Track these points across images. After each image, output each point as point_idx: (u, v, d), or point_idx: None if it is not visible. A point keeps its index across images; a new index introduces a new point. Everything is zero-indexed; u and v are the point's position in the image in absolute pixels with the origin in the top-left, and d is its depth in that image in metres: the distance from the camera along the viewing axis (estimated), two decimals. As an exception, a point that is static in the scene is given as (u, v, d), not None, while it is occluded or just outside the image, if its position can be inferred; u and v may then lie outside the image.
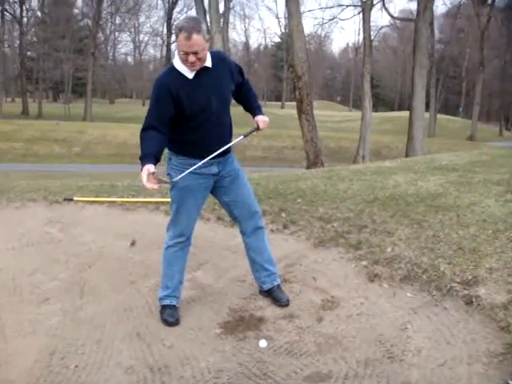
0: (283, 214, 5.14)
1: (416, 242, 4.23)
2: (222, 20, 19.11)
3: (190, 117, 3.18)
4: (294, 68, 16.62)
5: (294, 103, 18.39)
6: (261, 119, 3.52)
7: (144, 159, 3.06)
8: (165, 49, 51.54)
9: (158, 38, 55.22)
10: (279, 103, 67.54)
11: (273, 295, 3.59)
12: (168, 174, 3.40)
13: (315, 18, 75.30)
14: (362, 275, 3.88)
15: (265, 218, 5.02)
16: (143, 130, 3.16)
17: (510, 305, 3.16)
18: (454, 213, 4.77)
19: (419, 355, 2.90)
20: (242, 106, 3.67)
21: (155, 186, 3.00)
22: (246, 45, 68.17)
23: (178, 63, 3.13)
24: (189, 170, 3.19)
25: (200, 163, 3.21)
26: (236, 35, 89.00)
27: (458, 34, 51.71)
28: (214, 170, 3.37)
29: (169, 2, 48.63)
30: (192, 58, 3.02)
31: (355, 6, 31.29)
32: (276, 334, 3.20)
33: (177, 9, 49.73)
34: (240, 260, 4.20)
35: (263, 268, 3.62)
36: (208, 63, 3.17)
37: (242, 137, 3.43)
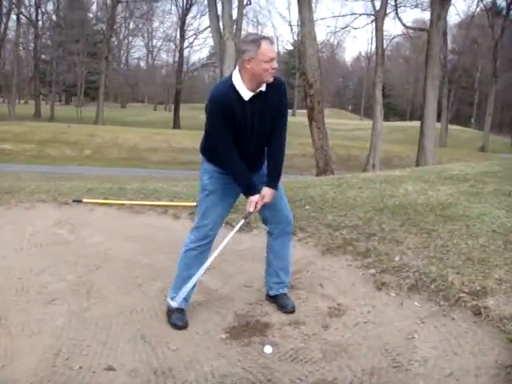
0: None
1: (425, 251, 4.20)
2: (235, 26, 19.15)
3: (231, 138, 3.20)
4: (305, 75, 16.63)
5: (306, 111, 18.39)
6: (269, 193, 3.36)
7: (250, 188, 3.29)
8: (177, 54, 51.68)
9: (171, 44, 55.40)
10: (290, 110, 67.63)
11: (278, 301, 3.58)
12: (200, 178, 3.46)
13: (328, 27, 75.64)
14: (370, 283, 3.86)
15: (273, 223, 5.01)
16: (226, 153, 3.21)
17: (519, 317, 3.13)
18: (464, 223, 4.73)
19: (426, 365, 2.87)
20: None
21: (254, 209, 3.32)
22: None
23: (237, 81, 3.12)
24: None
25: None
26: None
27: (471, 44, 51.56)
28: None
29: (182, 8, 48.80)
30: (275, 63, 3.08)
31: (368, 15, 31.38)
32: (282, 340, 3.18)
33: (190, 14, 49.88)
34: (247, 265, 4.19)
35: (276, 274, 3.61)
36: (263, 87, 3.16)
37: (243, 221, 3.45)
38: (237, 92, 3.11)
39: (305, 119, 20.18)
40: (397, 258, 4.10)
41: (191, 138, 30.95)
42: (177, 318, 3.34)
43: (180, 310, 3.38)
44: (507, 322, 3.11)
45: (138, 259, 4.40)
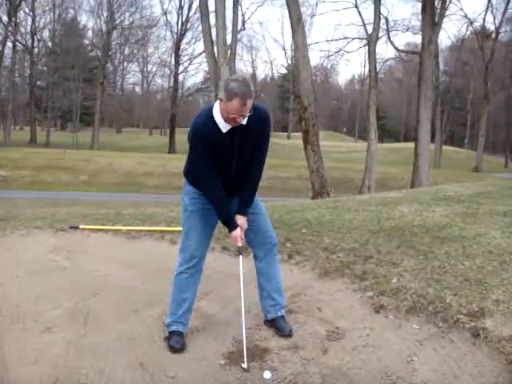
0: (288, 244, 5.12)
1: (422, 273, 4.20)
2: (229, 51, 19.35)
3: (213, 169, 3.28)
4: (300, 99, 16.77)
5: (300, 134, 18.49)
6: (244, 221, 3.45)
7: (230, 223, 3.38)
8: (172, 79, 52.05)
9: (166, 69, 55.80)
10: (285, 133, 67.99)
11: (276, 325, 3.57)
12: (182, 199, 3.55)
13: (321, 50, 76.38)
14: (368, 306, 3.85)
15: (270, 247, 5.01)
16: (208, 182, 3.31)
17: (517, 338, 3.12)
18: (460, 244, 4.74)
19: (425, 388, 2.85)
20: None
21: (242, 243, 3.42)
22: (253, 76, 68.81)
23: (216, 113, 3.18)
24: None
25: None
26: (243, 66, 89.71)
27: (462, 66, 52.24)
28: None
29: (177, 34, 49.35)
30: (240, 119, 3.12)
31: (361, 39, 31.74)
32: (280, 365, 3.17)
33: (185, 40, 50.38)
34: (245, 290, 4.18)
35: (270, 297, 3.62)
36: (244, 120, 3.19)
37: (241, 256, 3.50)
38: (216, 124, 3.18)
39: (300, 142, 20.29)
40: (394, 281, 4.10)
41: (187, 162, 31.00)
42: (174, 341, 3.34)
43: (179, 333, 3.39)
44: (506, 343, 3.10)
45: (134, 285, 4.38)
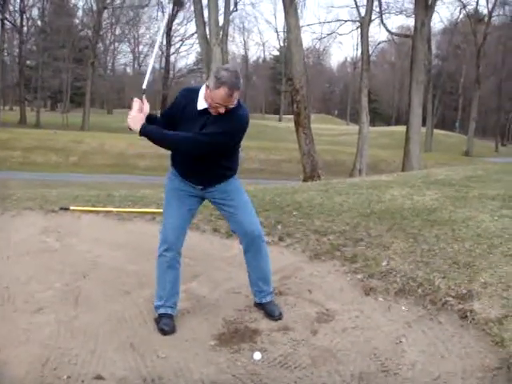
0: (279, 227, 5.14)
1: (411, 255, 4.24)
2: (221, 33, 19.17)
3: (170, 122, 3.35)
4: (292, 81, 16.71)
5: (292, 116, 18.46)
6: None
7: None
8: (164, 60, 51.67)
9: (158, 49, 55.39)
10: (277, 116, 67.77)
11: (265, 308, 3.59)
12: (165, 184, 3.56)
13: (314, 33, 75.77)
14: (358, 288, 3.88)
15: (261, 229, 5.02)
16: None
17: (504, 320, 3.17)
18: (450, 227, 4.78)
19: (414, 369, 2.89)
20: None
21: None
22: (245, 58, 68.51)
23: (202, 92, 3.23)
24: None
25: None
26: (235, 48, 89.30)
27: (455, 50, 52.17)
28: (198, 192, 3.49)
29: (169, 14, 48.87)
30: (222, 109, 3.12)
31: (353, 22, 31.56)
32: (270, 346, 3.19)
33: (177, 21, 49.98)
34: (235, 271, 4.20)
35: (256, 284, 3.64)
36: (221, 109, 3.16)
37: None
38: (196, 99, 3.24)
39: (291, 125, 20.25)
40: (384, 263, 4.13)
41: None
42: (164, 324, 3.36)
43: (167, 316, 3.41)
44: (493, 324, 3.15)
45: (125, 266, 4.39)
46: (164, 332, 3.31)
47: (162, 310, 3.42)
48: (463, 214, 5.16)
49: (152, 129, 3.22)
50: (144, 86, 3.51)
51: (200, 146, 3.18)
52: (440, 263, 4.03)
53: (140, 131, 3.20)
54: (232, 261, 4.46)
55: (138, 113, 3.26)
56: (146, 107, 3.30)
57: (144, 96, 3.34)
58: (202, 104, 3.22)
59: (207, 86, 3.13)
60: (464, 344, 3.08)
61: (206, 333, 3.34)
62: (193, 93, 3.29)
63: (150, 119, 3.29)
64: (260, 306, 3.63)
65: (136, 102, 3.30)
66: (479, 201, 5.75)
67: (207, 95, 3.15)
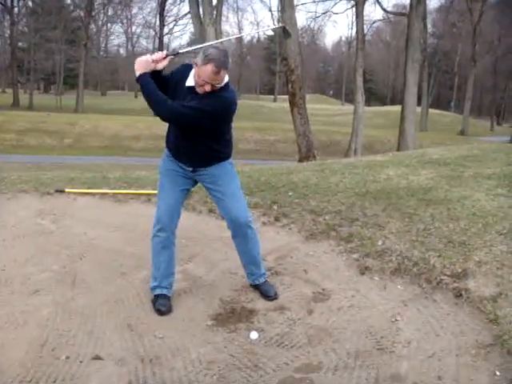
0: (275, 207, 5.15)
1: (407, 235, 4.26)
2: (215, 12, 18.99)
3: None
4: (286, 61, 16.60)
5: (287, 96, 18.38)
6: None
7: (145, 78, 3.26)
8: (157, 41, 51.16)
9: (151, 30, 54.76)
10: (272, 96, 67.48)
11: (260, 289, 3.62)
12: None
13: (308, 12, 75.08)
14: (353, 268, 3.91)
15: (256, 210, 5.03)
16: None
17: (498, 297, 3.20)
18: (445, 206, 4.80)
19: (409, 347, 2.93)
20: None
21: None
22: (239, 37, 67.97)
23: (193, 69, 3.20)
24: None
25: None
26: (229, 28, 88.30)
27: (450, 28, 51.88)
28: (189, 174, 3.49)
29: (163, -3, 48.31)
30: (208, 87, 3.10)
31: (348, 0, 31.27)
32: (267, 325, 3.22)
33: (170, 0, 49.38)
34: (232, 252, 4.20)
35: (246, 267, 3.66)
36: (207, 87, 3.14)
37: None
38: (188, 75, 3.25)
39: (286, 105, 20.17)
40: (379, 243, 4.15)
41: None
42: (160, 304, 3.38)
43: (163, 296, 3.43)
44: (487, 302, 3.18)
45: (122, 248, 4.39)
46: (160, 312, 3.34)
47: (157, 291, 3.44)
48: (458, 193, 5.17)
49: (149, 82, 3.20)
50: (180, 51, 3.51)
51: (179, 116, 3.17)
52: (435, 242, 4.05)
53: (138, 77, 3.22)
54: (228, 241, 4.45)
55: (150, 61, 3.23)
56: (161, 64, 3.28)
57: (171, 57, 3.33)
58: (190, 81, 3.22)
59: (195, 63, 3.13)
60: (458, 322, 3.11)
61: (202, 313, 3.36)
62: (187, 70, 3.29)
63: (156, 73, 3.27)
64: (255, 286, 3.65)
65: (159, 53, 3.29)
66: (475, 180, 5.76)
67: (195, 72, 3.15)
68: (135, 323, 3.22)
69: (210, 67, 3.03)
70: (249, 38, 73.69)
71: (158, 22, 50.30)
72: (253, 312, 3.38)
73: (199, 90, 3.16)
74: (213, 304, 3.47)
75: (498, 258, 3.69)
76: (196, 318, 3.30)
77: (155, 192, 5.61)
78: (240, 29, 63.65)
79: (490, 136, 41.49)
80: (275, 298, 3.53)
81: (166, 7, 48.91)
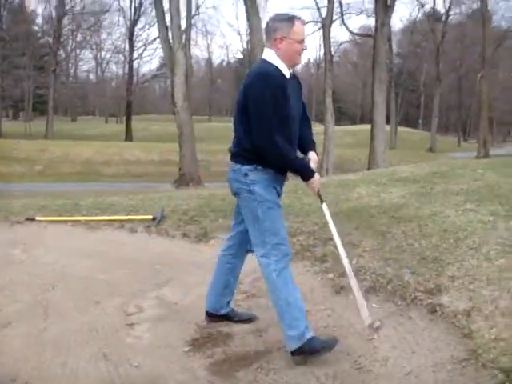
0: (249, 229, 5.14)
1: (380, 253, 4.29)
2: (184, 37, 19.10)
3: (285, 121, 2.94)
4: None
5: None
6: (315, 156, 3.28)
7: (307, 169, 3.11)
8: (127, 65, 51.09)
9: (120, 55, 54.69)
10: (243, 118, 67.69)
11: (234, 315, 3.49)
12: (250, 192, 3.04)
13: (276, 34, 76.15)
14: (329, 287, 3.92)
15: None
16: (281, 143, 2.91)
17: (471, 311, 3.24)
18: (416, 223, 4.86)
19: (386, 365, 2.93)
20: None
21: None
22: (209, 61, 68.28)
23: (277, 61, 2.96)
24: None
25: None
26: (199, 51, 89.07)
27: (415, 48, 53.09)
28: (281, 189, 3.25)
29: (130, 19, 48.30)
30: (305, 45, 3.00)
31: (315, 22, 31.76)
32: (244, 349, 3.19)
33: (139, 25, 49.36)
34: (207, 275, 4.18)
35: (232, 293, 3.49)
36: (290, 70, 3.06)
37: (324, 204, 3.38)
38: (282, 72, 2.95)
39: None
40: (354, 261, 4.17)
41: (144, 150, 30.70)
42: (325, 341, 3.03)
43: (315, 338, 3.02)
44: (461, 317, 3.22)
45: (94, 276, 4.34)
46: (331, 347, 3.00)
47: (310, 334, 2.99)
48: (429, 210, 5.25)
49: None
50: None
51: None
52: (408, 259, 4.09)
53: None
54: (203, 265, 4.44)
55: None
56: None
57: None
58: (287, 71, 2.99)
59: (279, 39, 2.92)
60: (434, 338, 3.13)
61: (179, 339, 3.32)
62: (276, 71, 2.93)
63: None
64: (225, 316, 3.50)
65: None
66: (444, 196, 5.86)
67: (288, 46, 2.92)
68: (110, 352, 3.16)
69: (298, 24, 2.94)
70: (218, 61, 74.21)
71: (127, 47, 50.29)
72: (229, 336, 3.36)
73: (299, 61, 3.05)
74: (189, 329, 3.44)
75: (469, 272, 3.75)
76: (172, 345, 3.26)
77: (128, 218, 5.59)
78: (210, 52, 64.19)
79: (457, 152, 42.29)
80: (251, 321, 3.51)
81: (135, 32, 48.94)
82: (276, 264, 3.02)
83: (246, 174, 3.01)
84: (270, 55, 2.98)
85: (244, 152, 3.03)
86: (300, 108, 3.16)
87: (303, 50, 3.00)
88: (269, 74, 2.89)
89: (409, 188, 6.40)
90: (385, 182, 6.93)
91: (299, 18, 2.98)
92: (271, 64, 2.95)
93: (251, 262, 4.39)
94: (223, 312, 3.48)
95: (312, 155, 3.26)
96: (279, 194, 3.20)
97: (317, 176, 3.14)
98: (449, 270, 3.80)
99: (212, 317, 3.47)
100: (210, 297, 3.47)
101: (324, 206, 3.30)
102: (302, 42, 2.97)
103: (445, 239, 4.40)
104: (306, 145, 3.28)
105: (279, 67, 2.94)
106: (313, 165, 3.20)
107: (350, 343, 3.18)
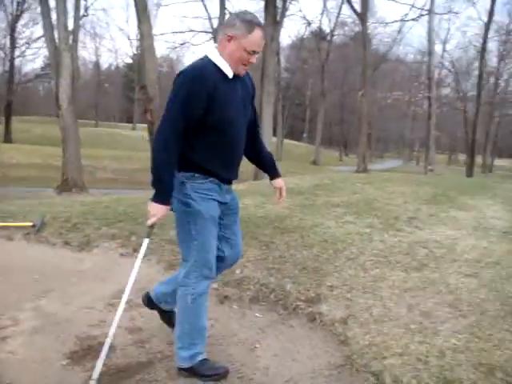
0: (133, 238, 5.06)
1: (264, 262, 4.39)
2: (71, 37, 18.38)
3: (215, 127, 2.71)
4: (145, 90, 16.49)
5: (146, 125, 18.22)
6: (282, 185, 3.17)
7: (165, 196, 2.75)
8: (8, 64, 48.18)
9: (1, 52, 51.54)
10: (130, 125, 66.43)
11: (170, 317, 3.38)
12: (184, 204, 2.82)
13: (167, 42, 75.63)
14: (213, 297, 3.94)
15: (114, 241, 4.92)
16: (168, 140, 2.65)
17: (348, 319, 3.41)
18: (299, 234, 5.04)
19: (267, 373, 3.00)
20: (249, 152, 3.09)
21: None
22: (97, 64, 66.29)
23: (216, 58, 2.71)
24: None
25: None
26: (86, 54, 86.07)
27: (302, 64, 55.15)
28: (227, 198, 2.97)
29: (12, 15, 45.70)
30: (254, 59, 2.71)
31: (207, 33, 32.04)
32: (126, 360, 3.12)
33: (21, 22, 46.76)
34: (89, 285, 4.05)
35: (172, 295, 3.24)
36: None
37: (147, 240, 2.99)
38: (219, 68, 2.70)
39: (145, 133, 19.99)
40: (238, 271, 4.24)
41: (24, 153, 29.13)
42: (211, 367, 2.94)
43: (206, 359, 2.96)
44: (338, 325, 3.38)
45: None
46: (223, 373, 2.93)
47: (201, 356, 2.94)
48: (311, 221, 5.46)
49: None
50: None
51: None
52: (291, 269, 4.23)
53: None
54: (85, 275, 4.30)
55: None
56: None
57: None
58: (230, 71, 2.72)
59: (230, 38, 2.66)
60: (313, 345, 3.26)
61: (56, 352, 3.18)
62: (208, 69, 2.67)
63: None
64: (163, 312, 3.38)
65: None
66: (325, 208, 6.12)
67: (236, 48, 2.66)
68: (-21, 368, 2.96)
69: (257, 33, 2.64)
70: (107, 65, 72.24)
71: (8, 44, 47.45)
72: (111, 347, 3.26)
73: (243, 69, 2.75)
74: (68, 342, 3.30)
75: (347, 282, 3.95)
76: (49, 358, 3.11)
77: (4, 224, 5.26)
78: (98, 55, 62.32)
79: (339, 165, 44.44)
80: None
81: (18, 29, 46.36)
82: (194, 286, 2.85)
83: (182, 183, 2.79)
84: (212, 51, 2.75)
85: (183, 156, 2.75)
86: (245, 112, 2.89)
87: (249, 62, 2.72)
88: (194, 71, 2.66)
89: (293, 200, 6.61)
90: (270, 193, 7.08)
91: (262, 28, 2.68)
92: (209, 60, 2.72)
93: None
94: (167, 308, 3.34)
95: (278, 183, 3.17)
96: (224, 203, 2.95)
97: (164, 209, 2.80)
98: (328, 280, 3.98)
99: (149, 303, 3.37)
100: (161, 286, 3.31)
101: (146, 241, 2.96)
102: (251, 53, 2.69)
103: (325, 250, 4.60)
104: (268, 166, 3.18)
105: (218, 64, 2.70)
106: (281, 200, 3.16)
107: (232, 352, 3.22)
